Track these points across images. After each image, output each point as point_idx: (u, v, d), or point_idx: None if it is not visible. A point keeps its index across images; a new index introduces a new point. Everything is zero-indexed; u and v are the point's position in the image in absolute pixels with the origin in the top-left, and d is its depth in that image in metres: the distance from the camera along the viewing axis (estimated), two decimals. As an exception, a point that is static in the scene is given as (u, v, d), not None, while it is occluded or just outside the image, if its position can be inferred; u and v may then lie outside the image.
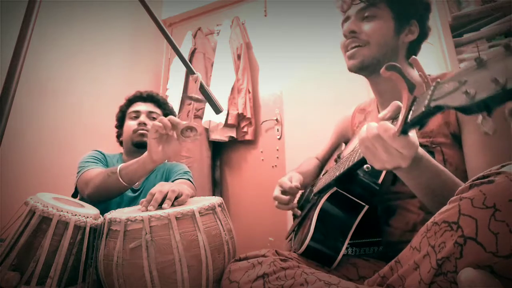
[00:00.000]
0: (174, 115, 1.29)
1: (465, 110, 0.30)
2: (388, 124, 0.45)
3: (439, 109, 0.35)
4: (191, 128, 0.84)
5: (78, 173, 1.03)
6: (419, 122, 0.40)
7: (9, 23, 1.35)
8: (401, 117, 0.42)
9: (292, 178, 0.87)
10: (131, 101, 1.24)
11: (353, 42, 0.74)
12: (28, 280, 0.62)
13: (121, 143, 1.25)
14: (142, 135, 1.14)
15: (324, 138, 1.09)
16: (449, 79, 0.34)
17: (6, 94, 0.63)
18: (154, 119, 1.20)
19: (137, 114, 1.19)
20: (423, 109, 0.37)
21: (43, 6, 0.70)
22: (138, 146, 1.14)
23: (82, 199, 1.05)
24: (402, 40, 0.75)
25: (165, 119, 0.84)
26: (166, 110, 1.27)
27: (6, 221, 0.68)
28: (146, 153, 0.88)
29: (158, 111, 1.23)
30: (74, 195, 1.06)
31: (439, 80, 0.37)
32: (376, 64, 0.73)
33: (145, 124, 1.15)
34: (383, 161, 0.47)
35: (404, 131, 0.42)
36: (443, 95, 0.34)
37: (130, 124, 1.17)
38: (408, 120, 0.41)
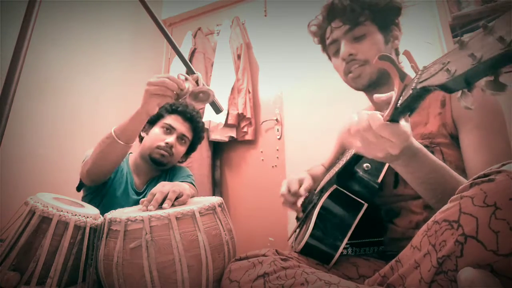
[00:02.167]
0: (201, 141, 1.25)
1: (447, 87, 0.31)
2: (377, 114, 0.46)
3: (425, 90, 0.36)
4: (203, 92, 0.82)
5: (83, 161, 1.00)
6: (408, 106, 0.41)
7: (9, 23, 1.35)
8: (392, 103, 0.43)
9: (304, 182, 0.84)
10: (173, 109, 1.15)
11: (354, 64, 0.76)
12: (28, 280, 0.62)
13: (140, 138, 1.19)
14: (163, 156, 1.10)
15: (324, 138, 1.09)
16: (434, 62, 0.36)
17: (6, 94, 0.63)
18: (182, 142, 1.15)
19: (170, 130, 1.12)
20: (411, 91, 0.38)
21: (43, 6, 0.70)
22: (154, 162, 1.11)
23: (87, 190, 1.04)
24: (391, 47, 0.78)
25: (176, 86, 0.81)
26: (198, 137, 1.22)
27: (6, 221, 0.68)
28: (140, 107, 0.86)
29: (190, 136, 1.18)
30: (79, 188, 1.05)
31: (425, 65, 0.38)
32: (382, 77, 0.76)
33: (172, 147, 1.10)
34: (374, 149, 0.48)
35: (394, 116, 0.43)
36: (428, 76, 0.35)
37: (158, 136, 1.11)
38: (398, 105, 0.42)
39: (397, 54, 0.82)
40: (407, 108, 0.41)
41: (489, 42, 0.27)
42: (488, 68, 0.27)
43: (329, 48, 0.82)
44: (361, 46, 0.75)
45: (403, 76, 0.42)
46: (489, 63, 0.26)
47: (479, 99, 0.65)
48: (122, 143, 0.88)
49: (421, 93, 0.37)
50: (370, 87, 0.77)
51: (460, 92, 0.31)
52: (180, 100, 0.84)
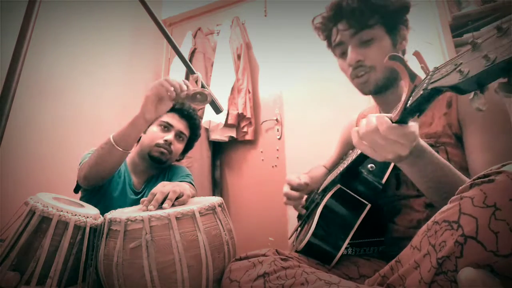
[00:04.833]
0: (198, 138, 1.26)
1: (459, 89, 0.31)
2: (385, 116, 0.46)
3: (436, 91, 0.36)
4: (200, 94, 0.83)
5: (79, 164, 1.01)
6: (418, 107, 0.41)
7: (9, 23, 1.35)
8: (401, 103, 0.43)
9: (301, 177, 0.86)
10: (170, 108, 1.14)
11: (361, 71, 0.73)
12: (28, 280, 0.62)
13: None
14: (162, 153, 1.10)
15: (324, 138, 1.09)
16: (446, 63, 0.35)
17: (6, 93, 0.63)
18: (180, 139, 1.16)
19: (168, 128, 1.13)
20: (421, 92, 0.38)
21: (43, 6, 0.70)
22: (153, 160, 1.11)
23: (84, 191, 1.04)
24: (399, 49, 0.76)
25: (170, 87, 0.82)
26: (195, 134, 1.22)
27: (6, 221, 0.68)
28: (138, 112, 0.86)
29: (187, 133, 1.18)
30: (76, 190, 1.05)
31: (437, 66, 0.38)
32: (387, 82, 0.74)
33: (170, 144, 1.11)
34: (383, 151, 0.47)
35: (403, 117, 0.43)
36: (440, 77, 0.35)
37: (156, 134, 1.12)
38: (408, 105, 0.41)
39: (404, 54, 0.79)
40: (416, 109, 0.41)
41: (503, 44, 0.26)
42: (502, 70, 0.27)
43: (335, 49, 0.79)
44: (368, 51, 0.72)
45: (413, 76, 0.42)
46: (503, 65, 0.26)
47: None
48: (120, 149, 0.88)
49: (432, 94, 0.37)
50: (377, 92, 0.76)
51: (472, 93, 0.30)
52: (179, 101, 0.84)
